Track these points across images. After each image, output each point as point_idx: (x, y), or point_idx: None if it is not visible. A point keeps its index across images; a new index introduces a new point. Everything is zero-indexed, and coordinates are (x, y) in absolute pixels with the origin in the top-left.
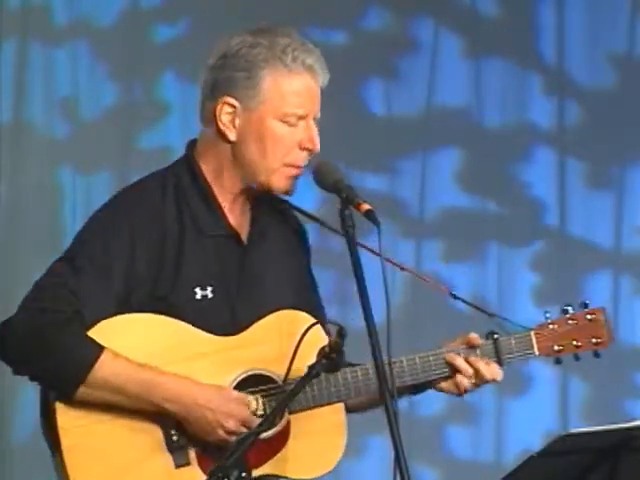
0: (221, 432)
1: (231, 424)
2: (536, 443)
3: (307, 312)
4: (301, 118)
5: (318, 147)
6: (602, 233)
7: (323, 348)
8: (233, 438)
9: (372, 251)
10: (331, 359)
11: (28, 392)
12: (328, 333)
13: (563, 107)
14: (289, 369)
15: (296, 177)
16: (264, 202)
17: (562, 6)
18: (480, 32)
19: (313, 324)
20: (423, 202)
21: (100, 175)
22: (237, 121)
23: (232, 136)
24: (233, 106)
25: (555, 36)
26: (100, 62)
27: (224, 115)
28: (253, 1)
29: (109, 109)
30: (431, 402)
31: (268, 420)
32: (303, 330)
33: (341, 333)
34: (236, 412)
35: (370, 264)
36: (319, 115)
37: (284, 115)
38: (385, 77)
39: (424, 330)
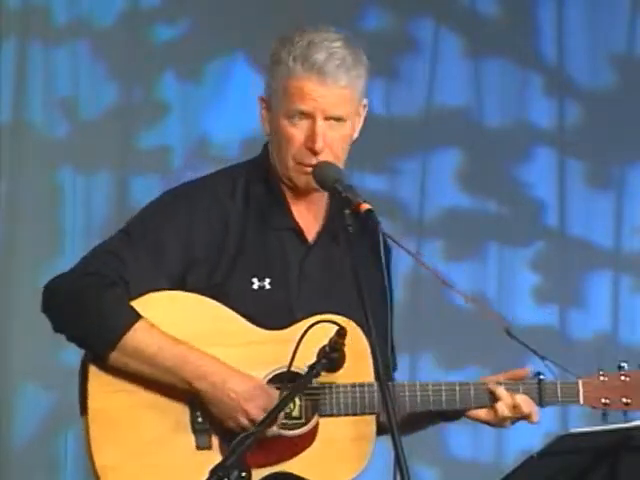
0: (242, 417)
1: (253, 409)
2: (536, 443)
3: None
4: (306, 117)
5: (318, 146)
6: (602, 233)
7: (323, 348)
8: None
9: (408, 251)
10: (331, 359)
11: (28, 393)
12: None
13: (563, 107)
14: (290, 363)
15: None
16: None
17: (562, 6)
18: (480, 32)
19: (313, 324)
20: (423, 202)
21: (100, 175)
22: (268, 117)
23: (265, 131)
24: (265, 102)
25: (555, 36)
26: (100, 62)
27: (261, 111)
28: (253, 1)
29: (109, 109)
30: None
31: (268, 420)
32: (330, 333)
33: (340, 333)
34: (259, 399)
35: None
36: (336, 113)
37: (287, 114)
38: (385, 77)
39: (424, 328)
